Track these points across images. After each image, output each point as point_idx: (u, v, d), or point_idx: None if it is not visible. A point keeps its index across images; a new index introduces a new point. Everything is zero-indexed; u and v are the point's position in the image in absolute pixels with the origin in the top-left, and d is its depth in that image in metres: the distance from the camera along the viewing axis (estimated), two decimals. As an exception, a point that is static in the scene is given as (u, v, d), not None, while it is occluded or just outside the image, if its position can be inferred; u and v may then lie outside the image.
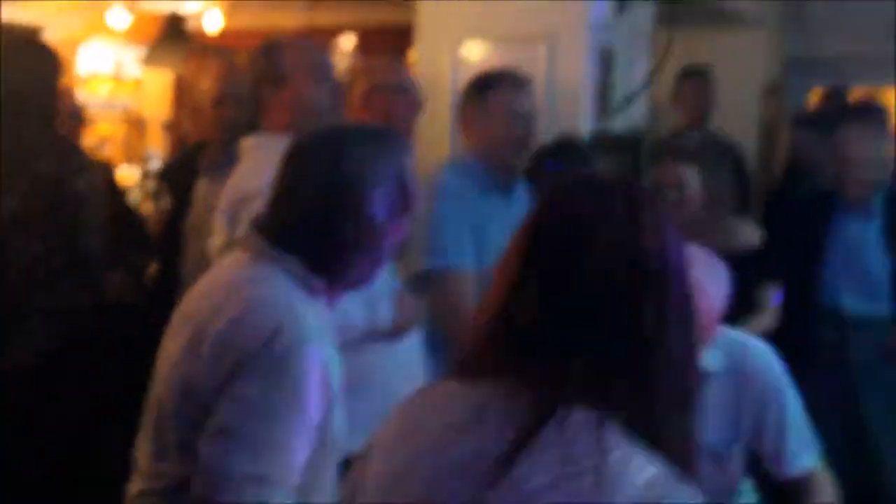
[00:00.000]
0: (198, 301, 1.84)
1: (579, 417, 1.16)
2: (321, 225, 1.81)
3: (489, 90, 3.10)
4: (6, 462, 2.98)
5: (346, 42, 6.32)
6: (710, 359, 2.25)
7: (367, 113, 2.98)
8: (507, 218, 2.96)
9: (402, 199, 1.87)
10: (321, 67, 2.71)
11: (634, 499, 1.11)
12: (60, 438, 3.19)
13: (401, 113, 2.99)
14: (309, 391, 1.68)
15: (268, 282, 1.79)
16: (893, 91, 6.48)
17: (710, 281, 2.11)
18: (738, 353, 2.36)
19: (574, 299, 1.19)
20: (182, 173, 3.65)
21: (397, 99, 3.02)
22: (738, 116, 5.03)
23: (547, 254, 1.22)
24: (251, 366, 1.69)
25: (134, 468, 1.89)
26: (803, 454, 2.40)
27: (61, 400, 3.16)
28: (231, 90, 3.30)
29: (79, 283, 3.17)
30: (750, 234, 3.43)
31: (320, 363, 1.71)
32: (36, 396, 3.12)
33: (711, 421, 2.28)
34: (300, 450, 1.69)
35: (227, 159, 2.89)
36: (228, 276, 1.84)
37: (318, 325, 1.77)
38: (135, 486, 1.88)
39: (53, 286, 3.10)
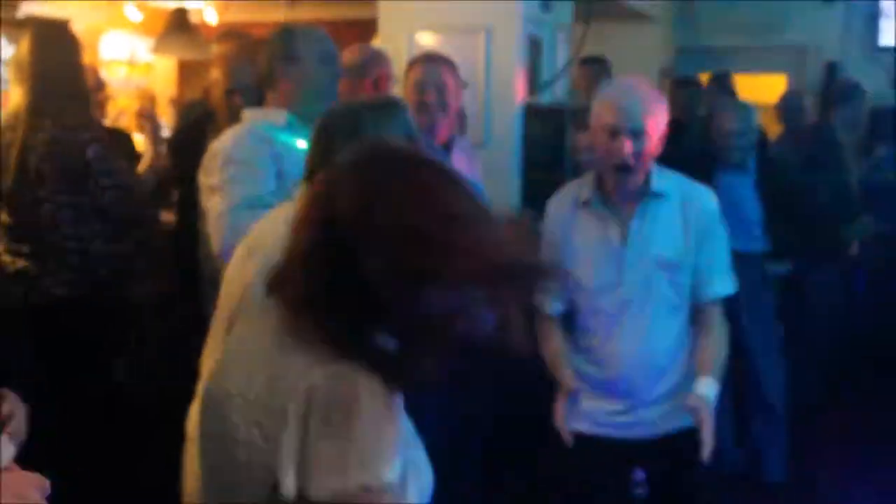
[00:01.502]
0: (261, 236, 2.07)
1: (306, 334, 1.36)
2: None
3: (410, 66, 3.41)
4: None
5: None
6: (660, 183, 2.56)
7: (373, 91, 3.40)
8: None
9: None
10: (328, 53, 2.88)
11: (302, 396, 1.31)
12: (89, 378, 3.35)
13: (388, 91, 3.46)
14: None
15: None
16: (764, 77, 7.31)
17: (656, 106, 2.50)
18: (685, 184, 2.61)
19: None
20: (189, 140, 3.79)
21: (390, 82, 3.50)
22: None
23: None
24: None
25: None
26: (722, 284, 2.63)
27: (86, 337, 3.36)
28: (240, 84, 3.45)
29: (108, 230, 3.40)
30: None
31: None
32: (66, 330, 3.31)
33: (664, 234, 2.54)
34: None
35: None
36: (285, 214, 1.93)
37: None
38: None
39: (80, 232, 3.36)
